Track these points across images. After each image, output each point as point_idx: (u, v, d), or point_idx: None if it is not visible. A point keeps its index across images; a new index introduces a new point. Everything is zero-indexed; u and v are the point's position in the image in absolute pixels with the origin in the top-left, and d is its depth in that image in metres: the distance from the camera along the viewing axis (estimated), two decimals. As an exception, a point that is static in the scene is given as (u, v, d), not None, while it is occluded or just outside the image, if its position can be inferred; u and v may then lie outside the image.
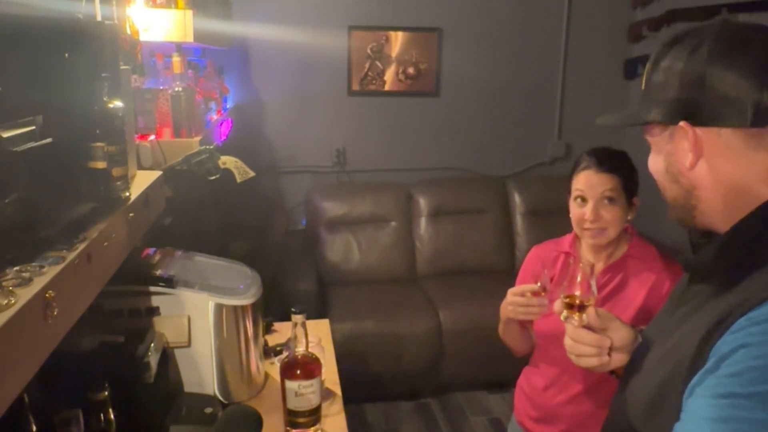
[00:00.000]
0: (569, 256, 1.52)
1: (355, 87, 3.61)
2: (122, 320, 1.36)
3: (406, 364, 2.99)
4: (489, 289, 3.07)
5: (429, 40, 3.60)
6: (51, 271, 0.73)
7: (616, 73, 3.78)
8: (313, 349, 1.39)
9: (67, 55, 0.89)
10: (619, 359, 0.99)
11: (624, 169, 1.42)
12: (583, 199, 1.42)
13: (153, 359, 1.24)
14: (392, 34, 3.56)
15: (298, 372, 1.31)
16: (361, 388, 2.83)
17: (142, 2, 1.71)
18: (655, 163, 0.88)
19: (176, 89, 1.79)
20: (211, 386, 1.45)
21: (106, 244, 0.91)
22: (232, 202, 2.60)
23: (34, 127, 0.83)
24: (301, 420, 1.33)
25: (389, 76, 3.62)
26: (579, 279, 1.07)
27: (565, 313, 1.06)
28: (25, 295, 0.66)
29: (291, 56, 3.48)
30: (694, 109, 0.78)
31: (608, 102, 3.73)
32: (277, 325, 1.87)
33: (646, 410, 0.82)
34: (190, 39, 1.84)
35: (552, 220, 3.24)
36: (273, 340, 1.72)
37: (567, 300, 1.06)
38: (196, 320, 1.41)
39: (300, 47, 3.43)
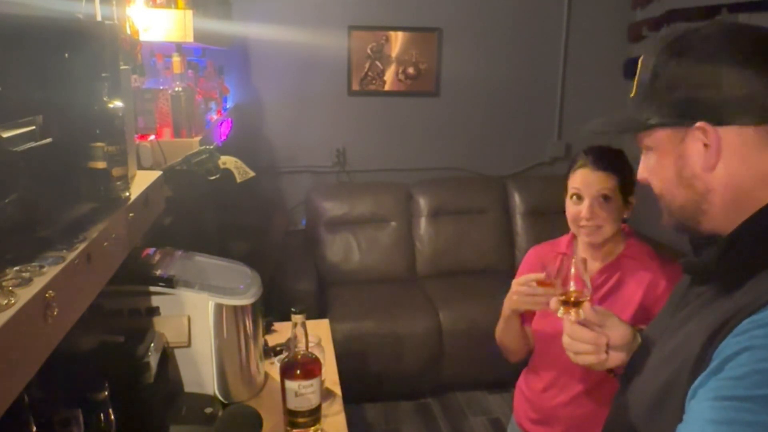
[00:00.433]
0: (564, 255, 1.52)
1: (355, 87, 3.61)
2: (122, 320, 1.36)
3: (406, 364, 2.99)
4: (489, 289, 3.09)
5: (429, 40, 3.60)
6: (51, 271, 0.73)
7: (616, 73, 3.78)
8: (313, 349, 1.39)
9: (67, 55, 0.89)
10: (617, 358, 0.99)
11: (620, 167, 1.42)
12: (579, 197, 1.42)
13: (153, 359, 1.24)
14: (392, 34, 3.56)
15: (298, 372, 1.31)
16: (361, 388, 2.84)
17: (142, 2, 1.71)
18: (660, 169, 0.84)
19: (176, 89, 1.79)
20: (211, 386, 1.45)
21: (106, 244, 0.91)
22: (232, 202, 2.60)
23: (34, 127, 0.83)
24: (301, 420, 1.33)
25: (389, 76, 3.62)
26: (573, 273, 1.07)
27: (561, 309, 1.06)
28: (25, 295, 0.66)
29: (291, 56, 3.48)
30: (710, 108, 0.76)
31: (608, 102, 3.72)
32: (277, 325, 1.87)
33: (649, 411, 0.81)
34: (190, 39, 1.84)
35: (552, 220, 3.24)
36: (273, 340, 1.72)
37: (562, 297, 1.07)
38: (196, 320, 1.41)
39: (300, 47, 3.43)
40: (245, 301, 1.46)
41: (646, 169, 0.88)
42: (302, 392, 1.31)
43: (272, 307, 2.30)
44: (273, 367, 1.62)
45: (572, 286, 1.06)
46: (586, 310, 1.01)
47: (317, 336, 1.58)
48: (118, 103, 0.99)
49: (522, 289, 1.34)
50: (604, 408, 1.05)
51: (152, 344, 1.27)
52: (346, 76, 3.58)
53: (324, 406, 1.43)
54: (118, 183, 0.98)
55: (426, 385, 3.10)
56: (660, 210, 0.88)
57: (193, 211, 1.88)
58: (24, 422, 0.84)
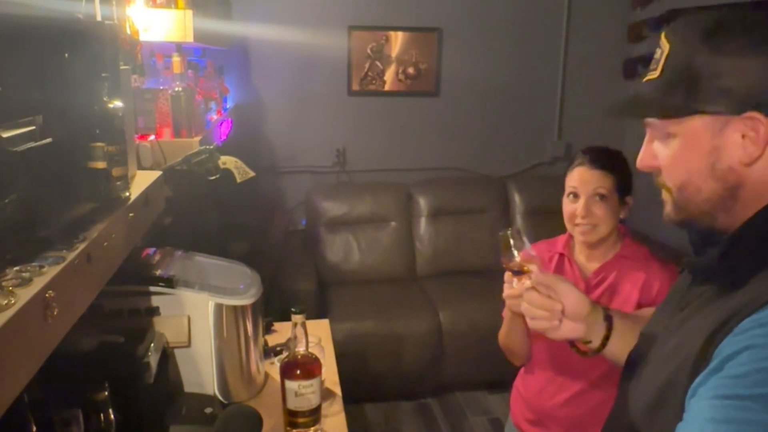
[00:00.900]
0: (564, 257, 1.51)
1: (355, 87, 3.61)
2: (122, 320, 1.36)
3: (406, 364, 2.99)
4: (489, 289, 3.07)
5: (429, 40, 3.60)
6: (51, 271, 0.73)
7: (616, 73, 3.78)
8: (313, 349, 1.39)
9: (67, 55, 0.89)
10: (572, 328, 1.01)
11: (617, 167, 1.42)
12: (576, 195, 1.42)
13: (153, 359, 1.24)
14: (392, 34, 3.56)
15: (298, 372, 1.31)
16: (361, 388, 2.84)
17: (142, 2, 1.71)
18: (687, 159, 0.79)
19: (176, 89, 1.79)
20: (211, 386, 1.45)
21: (106, 244, 0.91)
22: (232, 202, 2.61)
23: (34, 127, 0.83)
24: (301, 420, 1.33)
25: (389, 76, 3.62)
26: (512, 244, 1.12)
27: (515, 281, 1.14)
28: (25, 295, 0.66)
29: (291, 56, 3.48)
30: (759, 98, 0.72)
31: (608, 102, 3.72)
32: (277, 325, 1.87)
33: (649, 410, 0.81)
34: (190, 39, 1.84)
35: (552, 220, 3.21)
36: (273, 340, 1.72)
37: (509, 268, 1.14)
38: (196, 320, 1.41)
39: (300, 47, 3.43)
40: (245, 301, 1.46)
41: (657, 157, 0.82)
42: (302, 392, 1.31)
43: (272, 307, 2.30)
44: (273, 367, 1.62)
45: (516, 257, 1.12)
46: (534, 272, 1.06)
47: (317, 336, 1.58)
48: (118, 103, 0.99)
49: (505, 287, 1.32)
50: (601, 408, 1.05)
51: (152, 344, 1.27)
52: (346, 76, 3.58)
53: (324, 406, 1.43)
54: (118, 183, 0.98)
55: (426, 385, 3.10)
56: (661, 204, 0.84)
57: (193, 211, 1.88)
58: (24, 422, 0.84)
